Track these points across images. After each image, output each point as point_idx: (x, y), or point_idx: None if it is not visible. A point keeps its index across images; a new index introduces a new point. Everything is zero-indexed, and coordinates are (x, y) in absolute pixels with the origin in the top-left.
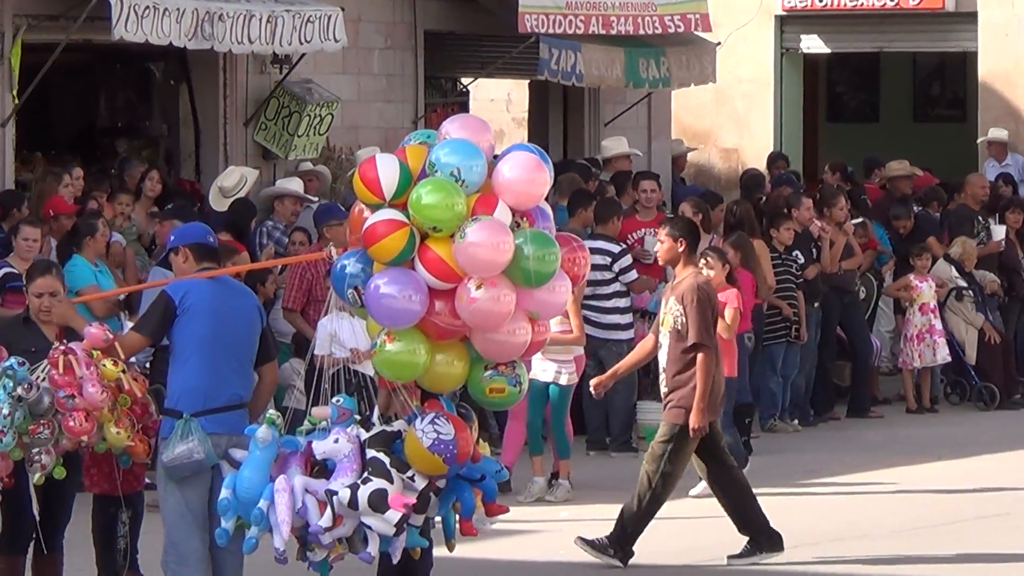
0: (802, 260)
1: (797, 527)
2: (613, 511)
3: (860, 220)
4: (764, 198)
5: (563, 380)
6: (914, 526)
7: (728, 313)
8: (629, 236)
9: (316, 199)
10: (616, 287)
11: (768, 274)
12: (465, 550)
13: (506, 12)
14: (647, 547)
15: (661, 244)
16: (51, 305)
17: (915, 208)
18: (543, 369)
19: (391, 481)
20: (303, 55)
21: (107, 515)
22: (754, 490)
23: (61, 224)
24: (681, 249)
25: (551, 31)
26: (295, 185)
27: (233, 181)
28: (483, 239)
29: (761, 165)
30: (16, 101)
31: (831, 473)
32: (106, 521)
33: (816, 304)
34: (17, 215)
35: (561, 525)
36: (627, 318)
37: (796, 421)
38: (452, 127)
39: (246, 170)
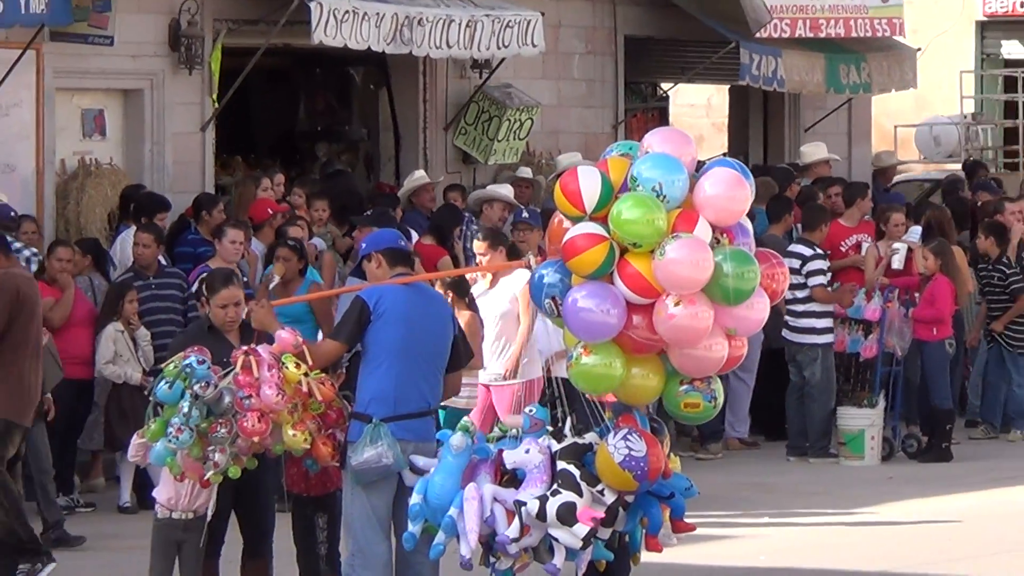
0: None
1: (992, 535)
2: (812, 517)
3: None
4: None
5: (460, 403)
6: None
7: None
8: (841, 243)
9: (523, 206)
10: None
11: (967, 280)
12: (663, 554)
13: (706, 16)
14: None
15: None
16: (251, 309)
17: None
18: None
19: (580, 494)
20: (503, 60)
21: (303, 516)
22: (954, 494)
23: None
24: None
25: (755, 36)
26: (505, 191)
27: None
28: (683, 257)
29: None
30: (216, 105)
31: None
32: (303, 522)
33: None
34: (207, 218)
35: (761, 530)
36: (825, 322)
37: (1020, 432)
38: (655, 140)
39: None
